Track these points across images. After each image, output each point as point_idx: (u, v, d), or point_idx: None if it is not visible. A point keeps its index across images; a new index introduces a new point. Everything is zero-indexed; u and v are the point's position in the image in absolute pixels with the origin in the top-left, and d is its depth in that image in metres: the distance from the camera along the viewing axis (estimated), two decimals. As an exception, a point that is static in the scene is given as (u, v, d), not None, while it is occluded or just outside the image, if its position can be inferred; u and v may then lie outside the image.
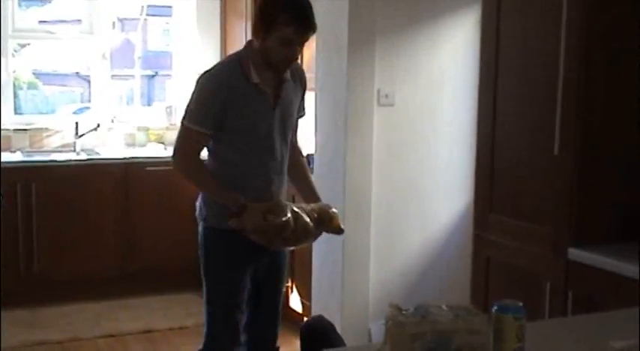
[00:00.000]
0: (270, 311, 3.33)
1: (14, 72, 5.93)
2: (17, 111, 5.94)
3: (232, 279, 3.11)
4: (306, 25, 2.96)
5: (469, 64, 4.41)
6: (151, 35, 7.45)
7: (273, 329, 3.39)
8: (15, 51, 6.10)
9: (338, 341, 3.38)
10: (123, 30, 7.95)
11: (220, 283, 3.14)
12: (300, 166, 3.36)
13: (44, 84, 6.48)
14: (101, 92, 6.10)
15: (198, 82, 3.05)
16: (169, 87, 6.56)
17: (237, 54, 3.12)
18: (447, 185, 4.46)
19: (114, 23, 6.43)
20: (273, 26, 2.91)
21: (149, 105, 6.52)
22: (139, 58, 6.58)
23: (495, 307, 1.80)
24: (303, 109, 3.29)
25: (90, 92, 6.14)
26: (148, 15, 6.82)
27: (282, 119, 3.10)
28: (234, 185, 3.04)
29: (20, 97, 6.20)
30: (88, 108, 6.20)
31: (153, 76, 6.80)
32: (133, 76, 6.50)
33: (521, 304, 1.80)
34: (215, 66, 3.13)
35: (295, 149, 3.35)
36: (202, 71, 3.11)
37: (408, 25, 4.27)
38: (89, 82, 6.15)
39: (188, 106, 3.05)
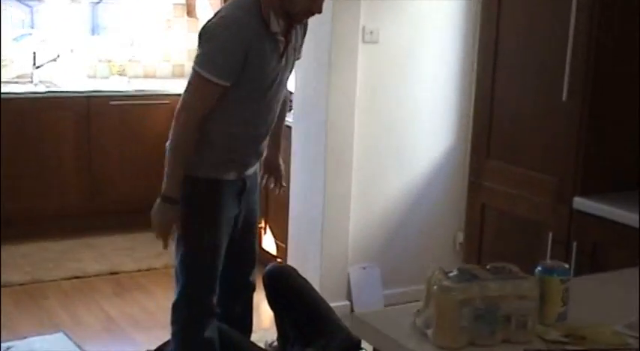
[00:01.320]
0: (246, 248, 3.19)
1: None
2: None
3: (216, 232, 2.94)
4: None
5: (457, 2, 4.25)
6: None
7: (249, 265, 3.24)
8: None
9: (304, 285, 3.29)
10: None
11: (206, 237, 2.94)
12: (281, 120, 3.22)
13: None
14: (58, 19, 5.77)
15: (214, 27, 2.74)
16: (130, 16, 6.23)
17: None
18: (430, 126, 4.34)
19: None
20: None
21: (96, 34, 6.14)
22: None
23: (539, 269, 1.70)
24: (300, 52, 3.08)
25: (32, 18, 5.75)
26: None
27: (286, 68, 2.92)
28: (229, 135, 2.88)
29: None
30: (30, 34, 5.80)
31: (97, 2, 6.37)
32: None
33: (566, 265, 1.70)
34: (231, 10, 2.79)
35: (285, 103, 3.21)
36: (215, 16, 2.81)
37: (396, -42, 4.08)
38: (31, 7, 5.75)
39: (205, 53, 2.73)
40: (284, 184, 3.36)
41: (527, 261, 3.01)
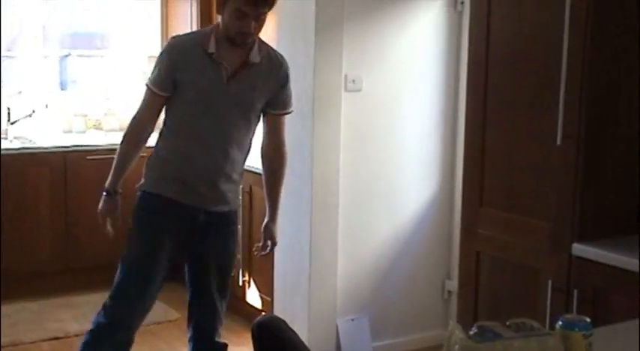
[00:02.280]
0: (208, 300, 3.30)
1: None
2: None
3: (151, 243, 3.13)
4: None
5: (438, 48, 4.26)
6: (73, 14, 7.03)
7: (211, 320, 3.33)
8: None
9: (294, 338, 3.20)
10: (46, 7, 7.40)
11: (141, 245, 3.16)
12: (276, 177, 3.38)
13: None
14: (34, 75, 5.71)
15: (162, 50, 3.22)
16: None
17: (207, 27, 3.28)
18: (415, 173, 4.31)
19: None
20: None
21: (63, 89, 6.07)
22: (57, 38, 6.14)
23: (560, 323, 1.63)
24: (287, 105, 3.22)
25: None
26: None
27: (239, 99, 3.07)
28: (175, 152, 3.12)
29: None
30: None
31: (66, 56, 6.33)
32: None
33: (588, 319, 1.64)
34: (182, 35, 3.27)
35: (278, 154, 3.34)
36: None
37: (376, 7, 4.08)
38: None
39: (152, 70, 3.17)
40: (267, 251, 3.48)
41: (526, 310, 2.98)
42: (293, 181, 4.14)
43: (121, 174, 3.23)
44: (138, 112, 3.18)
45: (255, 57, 3.07)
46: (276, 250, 4.28)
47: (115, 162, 3.24)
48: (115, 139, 5.50)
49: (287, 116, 3.27)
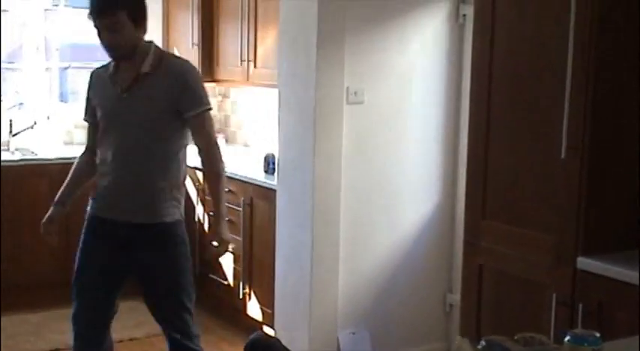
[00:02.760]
0: (157, 315, 3.45)
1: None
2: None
3: (82, 262, 3.36)
4: (92, 6, 3.10)
5: (440, 60, 4.26)
6: (69, 26, 7.04)
7: (175, 332, 3.39)
8: None
9: None
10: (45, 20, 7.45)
11: (77, 267, 3.38)
12: (209, 177, 3.43)
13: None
14: (35, 87, 5.71)
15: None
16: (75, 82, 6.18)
17: None
18: (417, 185, 4.30)
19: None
20: None
21: (63, 100, 6.10)
22: (57, 49, 6.17)
23: (569, 338, 1.63)
24: (195, 106, 3.21)
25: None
26: (65, 6, 6.40)
27: (136, 110, 3.16)
28: (98, 171, 3.34)
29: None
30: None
31: (66, 68, 6.36)
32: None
33: (597, 334, 1.63)
34: None
35: (204, 154, 3.31)
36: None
37: (379, 20, 4.08)
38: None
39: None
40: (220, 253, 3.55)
41: (530, 324, 2.97)
42: (294, 193, 4.14)
43: (67, 188, 3.49)
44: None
45: (145, 67, 3.15)
46: (277, 261, 4.30)
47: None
48: (116, 150, 5.54)
49: (206, 116, 3.26)
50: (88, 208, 3.40)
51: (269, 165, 4.66)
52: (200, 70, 5.49)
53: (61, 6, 6.08)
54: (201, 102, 3.22)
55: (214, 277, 5.04)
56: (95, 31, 3.11)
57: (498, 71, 3.05)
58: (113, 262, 3.29)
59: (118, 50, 3.14)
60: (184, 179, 3.38)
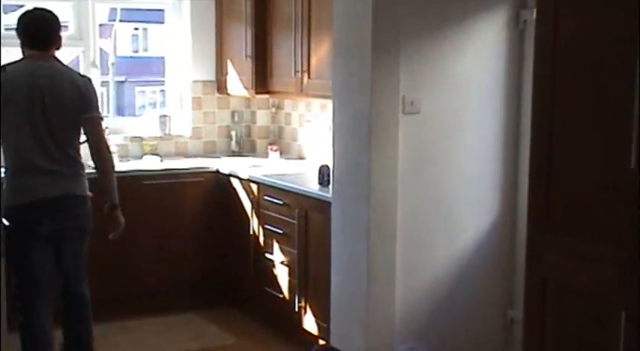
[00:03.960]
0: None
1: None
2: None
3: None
4: None
5: (499, 68, 4.15)
6: (121, 41, 7.12)
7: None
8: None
9: None
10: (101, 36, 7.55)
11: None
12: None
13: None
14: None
15: (91, 82, 4.10)
16: (143, 95, 6.22)
17: None
18: (476, 197, 4.19)
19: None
20: None
21: (120, 114, 6.16)
22: (112, 64, 6.22)
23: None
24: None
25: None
26: (121, 21, 6.47)
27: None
28: None
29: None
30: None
31: (122, 82, 6.43)
32: (107, 82, 6.15)
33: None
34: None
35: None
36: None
37: (434, 27, 3.99)
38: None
39: (96, 101, 4.05)
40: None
41: (596, 342, 2.84)
42: (349, 205, 4.06)
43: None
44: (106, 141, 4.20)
45: None
46: (332, 274, 4.23)
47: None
48: (171, 164, 5.55)
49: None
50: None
51: (323, 177, 4.59)
52: (254, 82, 5.50)
53: (117, 21, 6.13)
54: None
55: (270, 289, 4.99)
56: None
57: (562, 79, 2.93)
58: None
59: None
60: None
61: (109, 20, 8.22)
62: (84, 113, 3.96)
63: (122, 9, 6.51)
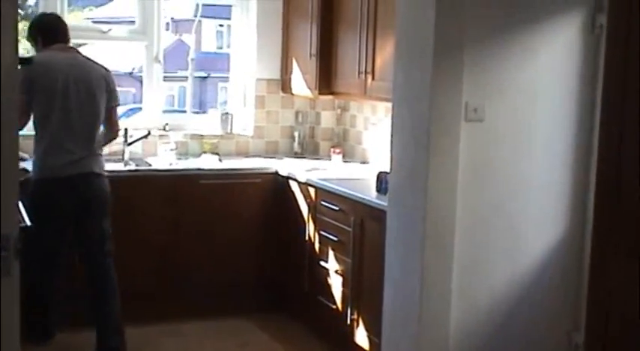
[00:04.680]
0: None
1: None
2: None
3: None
4: None
5: (571, 75, 3.85)
6: (204, 37, 7.08)
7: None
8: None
9: None
10: (177, 31, 7.56)
11: None
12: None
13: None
14: (153, 97, 5.67)
15: (110, 73, 4.53)
16: (225, 91, 6.13)
17: None
18: (541, 212, 3.90)
19: (167, 24, 6.05)
20: None
21: (202, 110, 6.09)
22: (192, 59, 6.16)
23: None
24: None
25: (142, 93, 5.73)
26: (202, 16, 6.40)
27: None
28: None
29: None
30: (140, 109, 5.80)
31: (205, 77, 6.37)
32: (185, 77, 6.09)
33: None
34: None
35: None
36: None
37: (502, 31, 3.73)
38: (141, 82, 5.73)
39: (116, 91, 4.51)
40: None
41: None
42: (404, 215, 3.84)
43: None
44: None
45: None
46: (385, 287, 4.01)
47: None
48: (230, 164, 5.42)
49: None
50: None
51: (381, 184, 4.38)
52: (318, 83, 5.33)
53: (197, 17, 6.10)
54: None
55: (323, 299, 4.81)
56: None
57: (633, 86, 2.66)
58: None
59: None
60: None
61: (194, 16, 8.23)
62: (108, 102, 4.44)
63: (204, 5, 6.46)
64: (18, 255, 2.15)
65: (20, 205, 3.54)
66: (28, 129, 4.40)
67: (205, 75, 12.34)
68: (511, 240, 3.89)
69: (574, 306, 4.01)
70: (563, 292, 4.00)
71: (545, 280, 3.95)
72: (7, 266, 2.10)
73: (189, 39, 9.62)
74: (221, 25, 14.78)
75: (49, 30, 4.49)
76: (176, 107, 11.02)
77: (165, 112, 6.13)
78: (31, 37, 4.50)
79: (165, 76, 5.85)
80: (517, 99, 3.80)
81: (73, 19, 5.56)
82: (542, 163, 3.89)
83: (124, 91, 6.39)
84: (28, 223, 3.32)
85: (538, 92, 3.84)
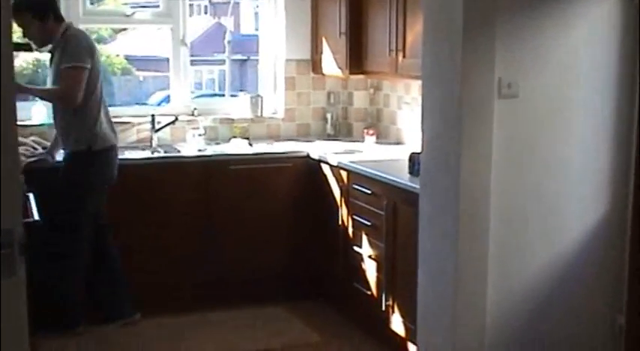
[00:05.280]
0: None
1: (108, 57, 5.56)
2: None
3: None
4: None
5: (610, 48, 3.65)
6: (242, 19, 6.98)
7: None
8: (109, 37, 5.78)
9: None
10: (215, 14, 7.45)
11: None
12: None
13: (138, 69, 6.07)
14: (181, 81, 5.57)
15: None
16: (255, 74, 6.01)
17: None
18: (581, 192, 3.72)
19: (206, 7, 5.98)
20: None
21: (241, 91, 5.99)
22: (229, 42, 6.05)
23: None
24: (64, 61, 4.37)
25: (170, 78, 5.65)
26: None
27: (51, 77, 4.49)
28: None
29: (114, 83, 5.84)
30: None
31: (245, 60, 6.26)
32: (223, 61, 5.99)
33: None
34: None
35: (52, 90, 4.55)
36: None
37: (536, 1, 3.54)
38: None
39: None
40: None
41: None
42: (437, 199, 3.68)
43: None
44: None
45: (50, 47, 4.47)
46: (420, 272, 3.87)
47: None
48: (260, 148, 5.30)
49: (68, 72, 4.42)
50: None
51: (414, 165, 4.22)
52: (348, 62, 5.17)
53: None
54: (68, 60, 4.31)
55: (358, 285, 4.68)
56: None
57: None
58: None
59: (35, 41, 4.42)
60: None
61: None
62: None
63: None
64: (23, 252, 2.03)
65: (32, 197, 3.47)
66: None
67: (245, 58, 12.18)
68: (549, 222, 3.72)
69: (618, 288, 3.83)
70: (606, 274, 3.82)
71: (586, 263, 3.78)
72: (9, 265, 1.96)
73: (228, 22, 9.48)
74: (258, 6, 14.67)
75: (56, 5, 4.55)
76: (216, 91, 10.95)
77: (202, 96, 6.04)
78: (40, 14, 4.36)
79: (203, 60, 5.77)
80: (554, 73, 3.62)
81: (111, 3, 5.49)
82: (582, 142, 3.71)
83: (161, 76, 6.35)
84: (37, 217, 3.23)
85: (576, 66, 3.65)
